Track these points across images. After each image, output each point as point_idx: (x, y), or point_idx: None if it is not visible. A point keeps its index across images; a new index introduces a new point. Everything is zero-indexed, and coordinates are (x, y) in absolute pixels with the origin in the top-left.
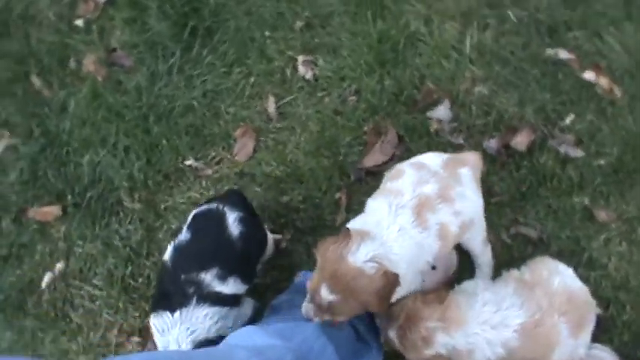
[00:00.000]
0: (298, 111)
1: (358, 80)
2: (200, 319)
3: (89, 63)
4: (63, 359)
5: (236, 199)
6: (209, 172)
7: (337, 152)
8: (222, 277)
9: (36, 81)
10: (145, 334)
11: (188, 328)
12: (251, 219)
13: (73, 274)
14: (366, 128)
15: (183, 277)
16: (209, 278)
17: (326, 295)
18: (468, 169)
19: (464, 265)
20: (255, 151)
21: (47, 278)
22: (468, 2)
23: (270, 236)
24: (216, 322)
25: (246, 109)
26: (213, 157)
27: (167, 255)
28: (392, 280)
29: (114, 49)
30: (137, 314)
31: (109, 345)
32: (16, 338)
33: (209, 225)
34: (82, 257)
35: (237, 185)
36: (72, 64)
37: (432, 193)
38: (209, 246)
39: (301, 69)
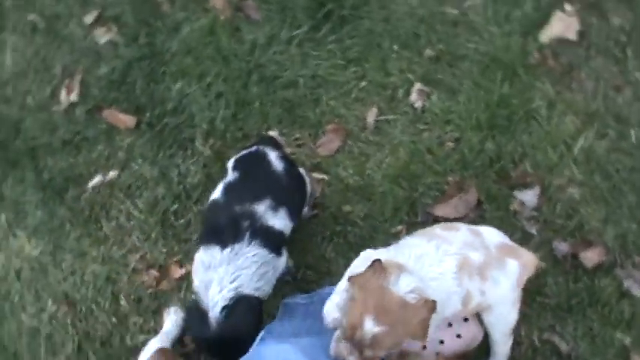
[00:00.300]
0: (394, 133)
1: (462, 130)
2: (248, 260)
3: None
4: (78, 259)
5: (273, 142)
6: (288, 149)
7: (414, 188)
8: (274, 208)
9: None
10: (164, 272)
11: (234, 272)
12: (289, 158)
13: (120, 187)
14: (450, 178)
15: (237, 208)
16: (262, 209)
17: (371, 327)
18: (518, 264)
19: (485, 343)
20: (338, 151)
21: (96, 180)
22: (597, 105)
23: (308, 179)
24: (259, 268)
25: (346, 109)
26: (297, 139)
27: (217, 194)
28: (432, 308)
29: None
30: (164, 250)
31: (126, 266)
32: (45, 220)
33: (254, 163)
34: (136, 175)
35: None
36: None
37: (474, 262)
38: (259, 179)
39: (414, 95)
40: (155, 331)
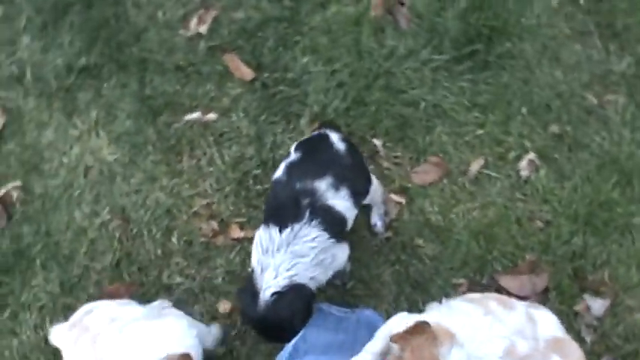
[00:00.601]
0: (491, 190)
1: (557, 215)
2: (306, 245)
3: None
4: (148, 181)
5: (334, 127)
6: (385, 163)
7: (490, 250)
8: (336, 186)
9: None
10: (223, 228)
11: (291, 260)
12: (351, 141)
13: (213, 131)
14: (528, 256)
15: (298, 185)
16: (323, 187)
17: None
18: None
19: None
20: (431, 184)
21: (194, 115)
22: None
23: (376, 182)
24: (317, 255)
25: (454, 148)
26: (397, 157)
27: (278, 173)
28: None
29: (402, 3)
30: (231, 208)
31: (190, 207)
32: (131, 132)
33: (317, 144)
34: (232, 126)
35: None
36: None
37: (520, 352)
38: (321, 157)
39: (523, 163)
40: (193, 279)
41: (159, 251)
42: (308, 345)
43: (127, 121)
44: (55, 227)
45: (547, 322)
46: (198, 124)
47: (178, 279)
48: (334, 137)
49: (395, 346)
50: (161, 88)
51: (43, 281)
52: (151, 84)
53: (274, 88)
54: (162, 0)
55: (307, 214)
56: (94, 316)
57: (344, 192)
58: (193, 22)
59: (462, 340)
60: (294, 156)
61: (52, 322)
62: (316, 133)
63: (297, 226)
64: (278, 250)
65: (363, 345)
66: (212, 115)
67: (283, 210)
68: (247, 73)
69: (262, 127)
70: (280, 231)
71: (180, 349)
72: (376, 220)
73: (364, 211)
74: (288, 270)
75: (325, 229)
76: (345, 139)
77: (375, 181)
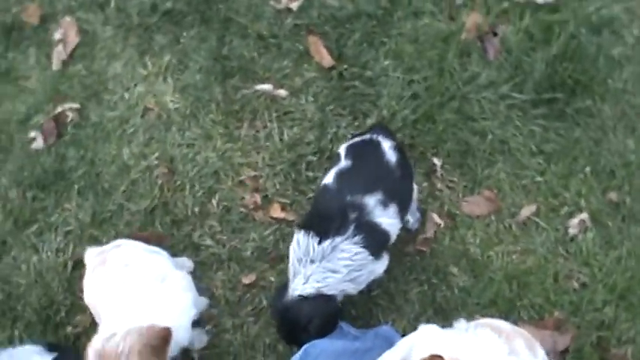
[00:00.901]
0: (536, 239)
1: (594, 281)
2: (342, 261)
3: (476, 16)
4: (202, 138)
5: (386, 131)
6: (439, 184)
7: (520, 297)
8: (385, 204)
9: None
10: (265, 204)
11: (324, 273)
12: (402, 149)
13: (279, 107)
14: (556, 313)
15: (348, 198)
16: (372, 203)
17: None
18: None
19: None
20: (478, 217)
21: (264, 87)
22: None
23: (416, 188)
24: (352, 271)
25: (510, 188)
26: (451, 181)
27: (328, 179)
28: None
29: (495, 33)
30: (278, 187)
31: (237, 175)
32: (199, 86)
33: (368, 151)
34: (298, 108)
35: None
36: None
37: None
38: (372, 170)
39: (574, 221)
40: (223, 246)
41: (196, 209)
42: (319, 350)
43: (198, 75)
44: (101, 158)
45: None
46: (266, 97)
47: (209, 241)
48: (386, 145)
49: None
50: (239, 51)
51: (76, 207)
52: (230, 45)
53: (349, 81)
54: None
55: (352, 228)
56: (115, 254)
57: (392, 209)
58: None
59: None
60: (344, 163)
61: (74, 250)
62: (367, 137)
63: (338, 239)
64: (312, 262)
65: (380, 354)
66: (282, 92)
67: (328, 220)
68: (327, 59)
69: (328, 117)
70: (320, 242)
71: (167, 324)
72: (409, 216)
73: None
74: (318, 282)
75: (366, 247)
76: (396, 148)
77: (415, 188)
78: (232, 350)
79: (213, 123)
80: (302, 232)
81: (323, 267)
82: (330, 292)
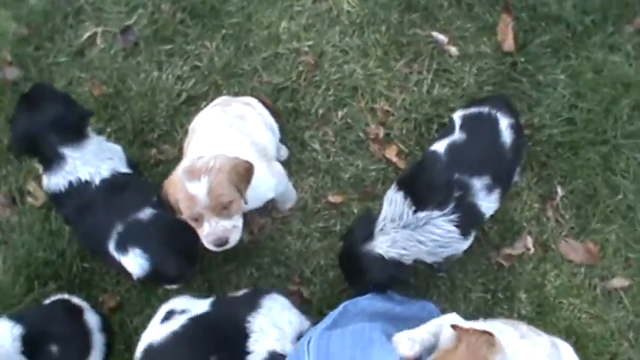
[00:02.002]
0: (612, 311)
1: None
2: (431, 236)
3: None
4: (358, 50)
5: (506, 105)
6: (549, 212)
7: None
8: (490, 188)
9: None
10: (383, 140)
11: (411, 241)
12: (520, 127)
13: (442, 63)
14: None
15: (456, 175)
16: (479, 186)
17: None
18: None
19: None
20: (569, 261)
21: (440, 36)
22: None
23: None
24: (437, 247)
25: (613, 251)
26: (562, 216)
27: (439, 147)
28: None
29: None
30: (403, 132)
31: (372, 102)
32: (359, 3)
33: (484, 129)
34: (458, 74)
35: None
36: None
37: None
38: (486, 152)
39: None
40: (328, 156)
41: (320, 111)
42: (358, 309)
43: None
44: (258, 19)
45: (566, 349)
46: (436, 47)
47: (316, 145)
48: (503, 124)
49: (445, 338)
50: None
51: (215, 50)
52: None
53: (518, 75)
54: None
55: (451, 206)
56: (240, 106)
57: (495, 195)
58: None
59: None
60: (457, 135)
61: (193, 86)
62: (486, 110)
63: (435, 214)
64: (404, 227)
65: (417, 325)
66: (453, 49)
67: (430, 192)
68: (509, 43)
69: (481, 95)
70: (415, 212)
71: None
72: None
73: None
74: (403, 249)
75: (459, 226)
76: (513, 127)
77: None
78: (287, 252)
79: (375, 42)
80: (401, 193)
81: (412, 236)
82: (408, 261)
